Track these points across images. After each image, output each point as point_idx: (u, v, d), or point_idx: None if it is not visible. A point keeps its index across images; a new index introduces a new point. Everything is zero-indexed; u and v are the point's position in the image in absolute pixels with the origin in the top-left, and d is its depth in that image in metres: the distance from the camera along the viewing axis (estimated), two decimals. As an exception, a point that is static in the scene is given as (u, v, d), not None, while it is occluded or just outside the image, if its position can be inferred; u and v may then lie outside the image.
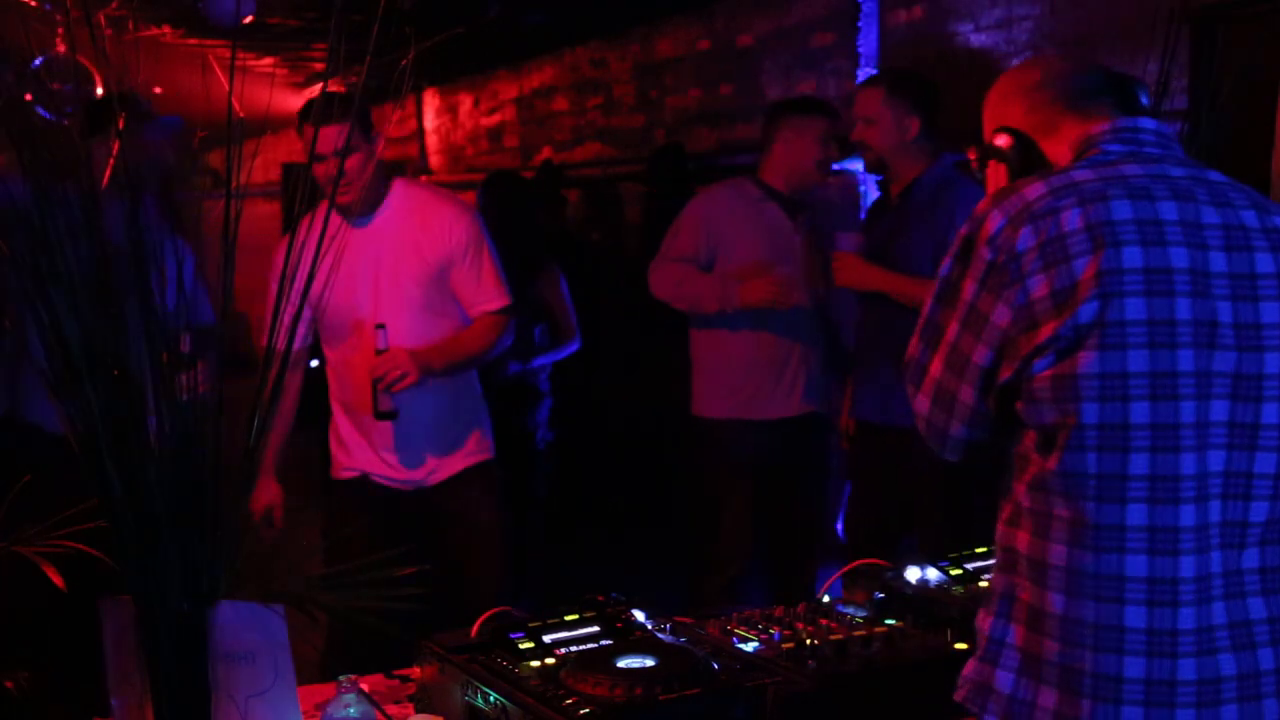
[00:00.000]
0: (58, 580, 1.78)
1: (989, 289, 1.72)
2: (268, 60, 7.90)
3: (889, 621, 2.26)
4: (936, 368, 1.81)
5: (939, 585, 2.39)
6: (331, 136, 3.18)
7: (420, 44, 2.08)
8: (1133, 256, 1.65)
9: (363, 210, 3.37)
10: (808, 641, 2.10)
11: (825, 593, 2.51)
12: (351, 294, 3.36)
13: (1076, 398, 1.65)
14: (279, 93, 8.87)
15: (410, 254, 3.40)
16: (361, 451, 3.51)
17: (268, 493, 3.49)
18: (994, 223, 1.73)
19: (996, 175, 1.94)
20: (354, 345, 3.41)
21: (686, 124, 6.59)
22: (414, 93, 9.75)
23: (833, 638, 2.13)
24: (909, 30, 5.00)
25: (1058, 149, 1.87)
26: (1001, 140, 1.92)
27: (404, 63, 2.02)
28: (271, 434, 3.48)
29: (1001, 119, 1.94)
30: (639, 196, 6.66)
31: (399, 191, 3.45)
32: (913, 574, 2.43)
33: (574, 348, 5.09)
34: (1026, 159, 1.89)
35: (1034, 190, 1.73)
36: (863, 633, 2.17)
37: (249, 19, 5.12)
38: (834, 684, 1.99)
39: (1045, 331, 1.67)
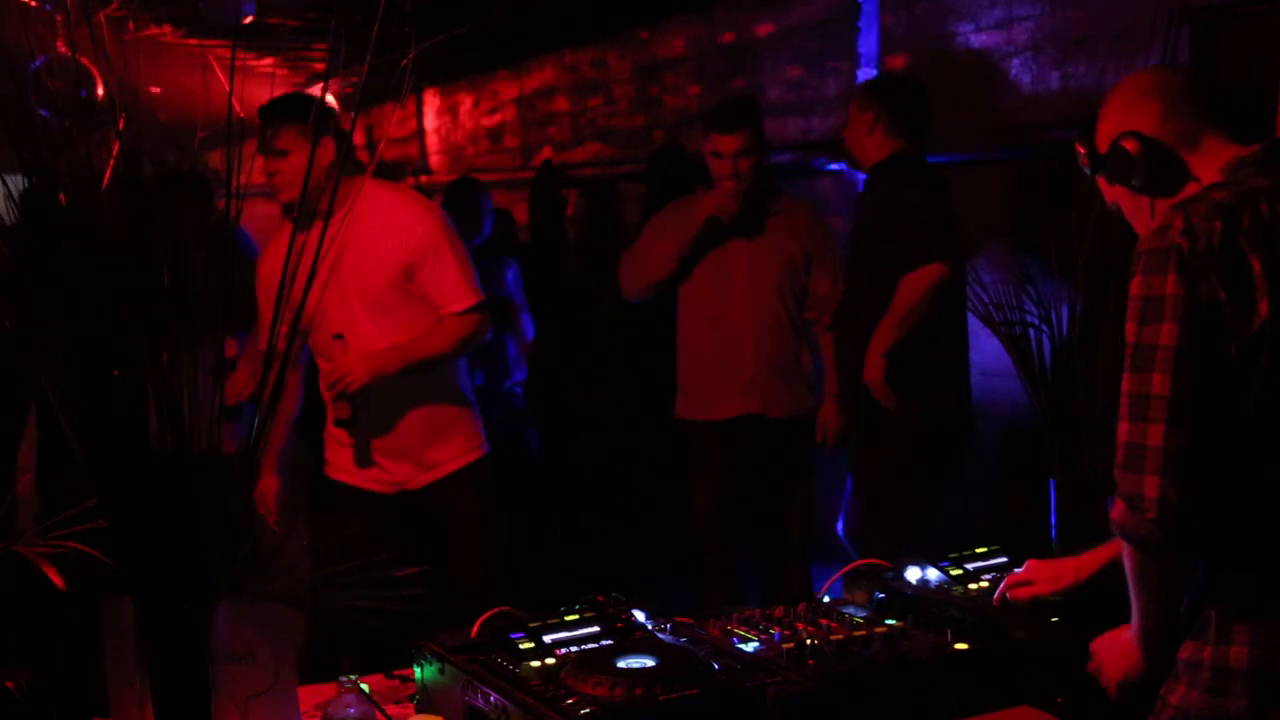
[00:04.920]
0: (58, 580, 1.78)
1: (1190, 273, 1.70)
2: (268, 60, 7.89)
3: (889, 621, 2.26)
4: (1160, 385, 1.72)
5: (939, 585, 2.39)
6: (278, 135, 3.29)
7: (420, 44, 2.08)
8: None
9: (313, 213, 3.34)
10: (808, 641, 2.10)
11: (825, 593, 2.51)
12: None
13: None
14: (279, 93, 8.87)
15: (367, 259, 3.33)
16: (348, 455, 3.52)
17: (268, 485, 3.55)
18: (1183, 221, 1.72)
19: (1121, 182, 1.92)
20: (322, 352, 3.42)
21: (686, 124, 6.58)
22: (414, 93, 9.74)
23: (833, 638, 2.13)
24: (909, 30, 5.00)
25: (1202, 162, 1.85)
26: (1129, 145, 1.87)
27: (404, 63, 2.02)
28: (273, 430, 3.50)
29: (1128, 124, 1.89)
30: (639, 196, 6.65)
31: (365, 195, 3.31)
32: (913, 574, 2.43)
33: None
34: (1158, 165, 1.86)
35: (1220, 193, 1.75)
36: (863, 633, 2.17)
37: (249, 19, 5.12)
38: (834, 684, 1.98)
39: (1263, 309, 1.68)
